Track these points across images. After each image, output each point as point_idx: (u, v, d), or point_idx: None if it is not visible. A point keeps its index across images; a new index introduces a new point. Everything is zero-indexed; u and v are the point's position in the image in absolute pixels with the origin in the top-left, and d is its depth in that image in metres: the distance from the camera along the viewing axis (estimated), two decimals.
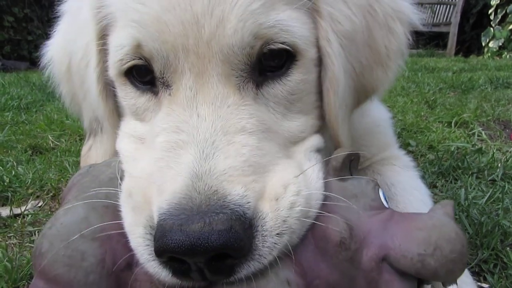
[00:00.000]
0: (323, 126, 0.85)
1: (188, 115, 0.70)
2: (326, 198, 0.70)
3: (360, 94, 0.91)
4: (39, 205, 1.57)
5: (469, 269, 0.90)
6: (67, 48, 1.02)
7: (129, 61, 0.79)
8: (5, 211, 1.49)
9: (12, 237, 1.30)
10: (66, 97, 1.13)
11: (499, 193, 1.37)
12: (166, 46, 0.72)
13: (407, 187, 1.09)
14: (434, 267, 0.61)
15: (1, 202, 1.61)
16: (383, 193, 0.73)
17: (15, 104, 3.67)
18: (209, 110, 0.70)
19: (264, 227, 0.62)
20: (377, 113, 1.23)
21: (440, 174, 1.67)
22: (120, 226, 0.67)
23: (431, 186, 1.54)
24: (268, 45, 0.73)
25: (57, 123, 2.87)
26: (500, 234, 1.10)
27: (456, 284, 0.64)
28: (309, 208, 0.67)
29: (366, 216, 0.67)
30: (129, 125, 0.87)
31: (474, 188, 1.48)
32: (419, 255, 0.61)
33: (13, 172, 1.84)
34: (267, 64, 0.75)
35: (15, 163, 2.01)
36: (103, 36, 0.87)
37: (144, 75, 0.80)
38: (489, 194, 1.37)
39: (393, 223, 0.66)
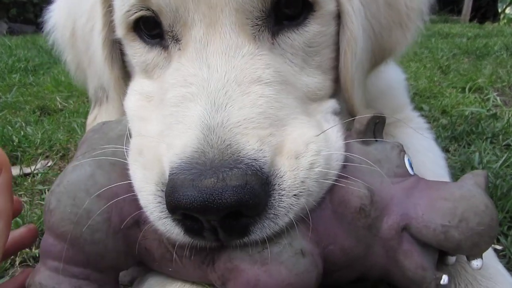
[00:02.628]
0: (338, 90, 0.81)
1: (197, 67, 0.66)
2: (347, 161, 0.66)
3: (377, 56, 0.86)
4: (49, 164, 1.57)
5: None
6: (70, 12, 0.98)
7: (136, 12, 0.75)
8: (15, 170, 1.49)
9: (22, 195, 1.31)
10: (71, 64, 1.09)
11: None
12: None
13: (420, 149, 1.06)
14: (458, 239, 0.58)
15: (11, 161, 1.60)
16: (409, 160, 0.68)
17: (22, 66, 3.66)
18: (221, 60, 0.65)
19: (281, 185, 0.57)
20: (393, 75, 1.19)
21: (453, 138, 1.64)
22: (128, 184, 0.64)
23: (444, 150, 1.51)
24: None
25: (65, 84, 2.85)
26: None
27: (482, 258, 0.61)
28: (329, 170, 0.62)
29: (389, 183, 0.63)
30: (137, 84, 0.83)
31: (488, 153, 1.45)
32: (442, 226, 0.58)
33: (22, 133, 1.85)
34: (283, 12, 0.71)
35: (23, 124, 2.01)
36: None
37: (152, 28, 0.77)
38: (504, 158, 1.34)
39: (418, 191, 0.62)
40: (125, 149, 0.68)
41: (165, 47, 0.76)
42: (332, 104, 0.77)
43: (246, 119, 0.59)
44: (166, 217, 0.59)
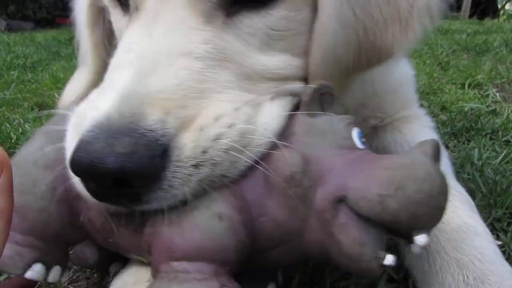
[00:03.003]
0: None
1: (141, 36, 0.67)
2: (290, 134, 0.64)
3: (370, 55, 0.79)
4: None
5: None
6: None
7: None
8: None
9: None
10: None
11: None
12: None
13: None
14: (395, 209, 0.52)
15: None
16: (359, 133, 0.65)
17: (21, 62, 3.65)
18: (163, 32, 0.65)
19: (179, 157, 0.56)
20: (403, 71, 1.17)
21: (452, 134, 1.64)
22: None
23: (444, 146, 1.51)
24: None
25: (63, 81, 2.83)
26: None
27: (427, 234, 0.55)
28: (246, 144, 0.61)
29: (331, 154, 0.60)
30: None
31: (487, 149, 1.45)
32: (379, 196, 0.52)
33: (20, 130, 1.84)
34: None
35: (21, 121, 2.00)
36: None
37: None
38: (503, 154, 1.34)
39: (360, 163, 0.58)
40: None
41: (130, 15, 0.77)
42: (295, 85, 0.73)
43: (160, 90, 0.59)
44: (75, 177, 0.59)
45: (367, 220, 0.55)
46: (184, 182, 0.56)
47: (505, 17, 8.49)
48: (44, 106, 2.31)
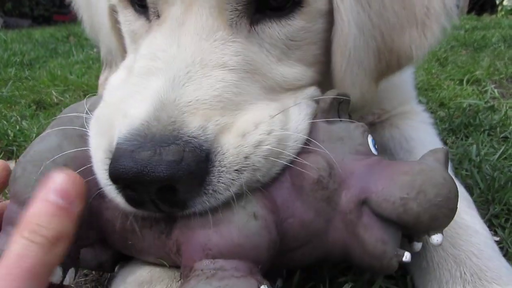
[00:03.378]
0: (325, 82, 0.79)
1: (168, 44, 0.67)
2: (312, 140, 0.67)
3: (388, 59, 0.80)
4: None
5: None
6: None
7: None
8: (10, 165, 1.48)
9: None
10: (86, 24, 1.11)
11: None
12: None
13: (425, 143, 1.06)
14: (417, 211, 0.58)
15: (6, 156, 1.61)
16: (373, 140, 0.69)
17: (18, 60, 3.63)
18: (192, 41, 0.66)
19: (222, 162, 0.58)
20: None
21: (450, 131, 1.64)
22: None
23: (442, 142, 1.51)
24: None
25: (61, 78, 2.83)
26: None
27: (442, 234, 0.61)
28: (282, 149, 0.63)
29: (351, 159, 0.64)
30: (126, 60, 0.85)
31: (485, 145, 1.45)
32: (401, 199, 0.58)
33: (17, 127, 1.83)
34: (267, 2, 0.70)
35: (19, 118, 1.99)
36: None
37: None
38: (501, 150, 1.34)
39: (379, 168, 0.63)
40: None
41: (148, 19, 0.77)
42: (310, 91, 0.76)
43: (199, 100, 0.60)
44: (111, 185, 0.60)
45: (388, 221, 0.60)
46: (227, 187, 0.58)
47: (503, 13, 8.48)
48: (41, 103, 2.30)
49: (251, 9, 0.69)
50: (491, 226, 0.98)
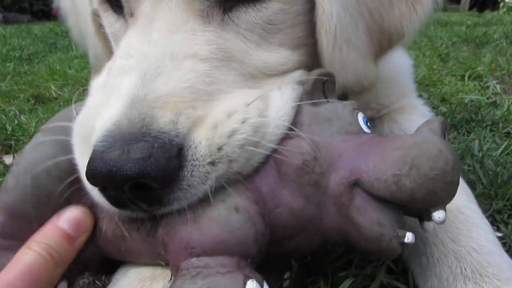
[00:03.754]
0: (316, 65, 0.76)
1: (140, 42, 0.65)
2: (297, 124, 0.64)
3: (381, 38, 0.78)
4: None
5: None
6: None
7: None
8: (8, 159, 1.47)
9: None
10: (73, 30, 1.09)
11: None
12: None
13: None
14: (410, 188, 0.53)
15: (4, 150, 1.60)
16: (364, 118, 0.65)
17: (17, 54, 3.62)
18: (162, 35, 0.64)
19: (194, 156, 0.56)
20: (399, 60, 1.15)
21: (452, 126, 1.62)
22: None
23: None
24: None
25: (60, 73, 2.82)
26: None
27: (444, 210, 0.57)
28: (260, 138, 0.60)
29: (340, 140, 0.60)
30: (110, 61, 0.82)
31: (488, 141, 1.43)
32: (394, 176, 0.53)
33: (16, 121, 1.82)
34: None
35: (17, 112, 1.98)
36: None
37: None
38: (504, 146, 1.33)
39: (370, 146, 0.58)
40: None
41: (125, 19, 0.76)
42: (296, 75, 0.73)
43: (169, 93, 0.58)
44: (94, 189, 0.59)
45: (383, 200, 0.56)
46: (202, 181, 0.56)
47: (505, 9, 8.44)
48: (40, 98, 2.29)
49: None
50: (493, 221, 0.97)
